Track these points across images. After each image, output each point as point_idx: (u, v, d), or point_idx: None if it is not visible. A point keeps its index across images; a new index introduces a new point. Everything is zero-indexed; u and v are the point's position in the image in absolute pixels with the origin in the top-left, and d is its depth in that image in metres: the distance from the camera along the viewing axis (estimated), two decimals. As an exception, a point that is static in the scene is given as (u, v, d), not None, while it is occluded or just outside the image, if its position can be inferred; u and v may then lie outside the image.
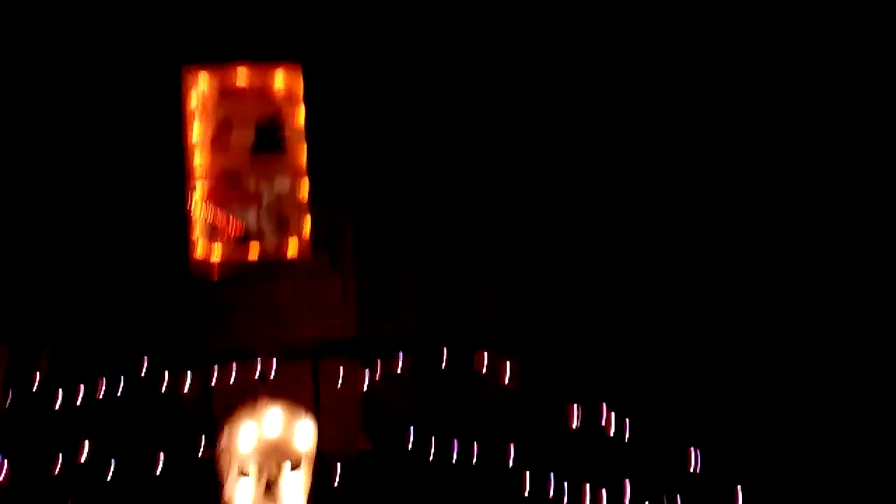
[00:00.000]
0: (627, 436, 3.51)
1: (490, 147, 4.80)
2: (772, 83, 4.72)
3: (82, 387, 3.30)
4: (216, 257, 4.71)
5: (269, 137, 4.85)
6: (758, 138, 4.70)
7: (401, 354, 3.67)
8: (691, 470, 3.51)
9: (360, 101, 4.75)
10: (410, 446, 3.55)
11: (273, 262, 4.73)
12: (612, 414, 3.54)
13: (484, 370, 3.58)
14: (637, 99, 4.73)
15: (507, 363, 3.59)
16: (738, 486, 3.48)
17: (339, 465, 3.61)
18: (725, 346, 4.50)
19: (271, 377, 3.55)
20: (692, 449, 3.53)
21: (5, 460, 3.13)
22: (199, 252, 4.71)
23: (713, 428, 3.77)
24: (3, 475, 3.11)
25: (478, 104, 4.82)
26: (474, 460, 3.54)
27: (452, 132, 4.81)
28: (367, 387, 3.57)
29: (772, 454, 3.96)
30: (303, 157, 4.82)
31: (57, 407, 3.24)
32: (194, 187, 4.75)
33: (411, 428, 3.58)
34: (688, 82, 4.73)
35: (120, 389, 3.36)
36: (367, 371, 3.56)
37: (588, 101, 4.77)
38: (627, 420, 3.52)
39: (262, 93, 4.85)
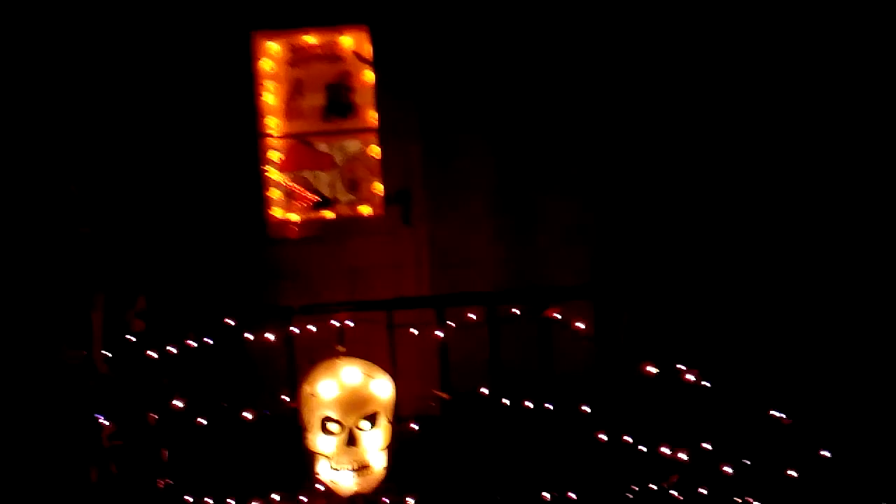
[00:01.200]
0: (704, 395, 3.43)
1: (561, 105, 4.76)
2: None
3: (172, 342, 3.47)
4: (292, 218, 4.89)
5: (339, 100, 4.96)
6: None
7: (473, 308, 3.69)
8: (771, 433, 3.42)
9: (426, 62, 4.79)
10: (485, 398, 3.59)
11: (347, 221, 4.89)
12: (688, 372, 3.47)
13: (556, 321, 3.57)
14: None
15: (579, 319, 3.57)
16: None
17: (416, 417, 3.70)
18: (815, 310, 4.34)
19: (348, 333, 3.64)
20: (773, 412, 3.42)
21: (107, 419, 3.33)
22: (275, 213, 4.89)
23: (798, 394, 3.63)
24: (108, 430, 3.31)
25: (548, 61, 4.76)
26: (546, 414, 3.55)
27: (521, 90, 4.77)
28: (441, 339, 3.61)
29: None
30: (372, 119, 4.91)
31: (151, 361, 3.42)
32: (268, 151, 4.91)
33: (484, 382, 3.62)
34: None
35: (206, 344, 3.52)
36: (439, 324, 3.60)
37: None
38: (703, 379, 3.43)
39: (331, 57, 4.95)
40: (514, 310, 3.63)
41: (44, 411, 3.21)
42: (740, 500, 3.33)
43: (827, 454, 3.34)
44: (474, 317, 3.63)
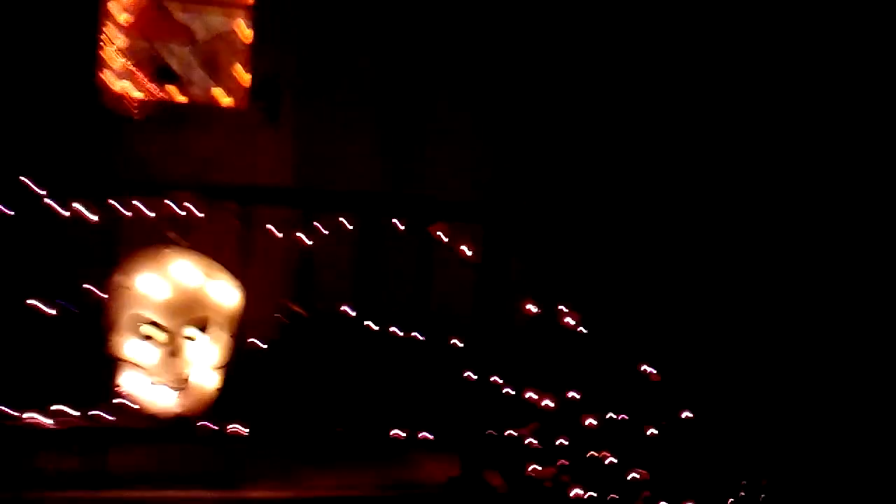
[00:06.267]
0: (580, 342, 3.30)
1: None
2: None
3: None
4: (135, 93, 4.30)
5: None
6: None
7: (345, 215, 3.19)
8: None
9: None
10: (348, 316, 3.14)
11: (201, 109, 4.37)
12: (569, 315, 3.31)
13: (439, 241, 3.18)
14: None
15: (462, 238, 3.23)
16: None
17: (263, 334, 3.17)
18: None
19: (191, 221, 3.06)
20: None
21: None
22: (115, 85, 4.29)
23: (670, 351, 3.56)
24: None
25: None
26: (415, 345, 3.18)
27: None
28: (305, 245, 3.10)
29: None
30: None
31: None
32: (113, 9, 4.30)
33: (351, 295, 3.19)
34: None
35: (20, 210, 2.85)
36: (304, 226, 3.09)
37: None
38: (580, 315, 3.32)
39: None
40: (393, 220, 3.16)
41: None
42: (596, 454, 3.15)
43: (689, 415, 3.30)
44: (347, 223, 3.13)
